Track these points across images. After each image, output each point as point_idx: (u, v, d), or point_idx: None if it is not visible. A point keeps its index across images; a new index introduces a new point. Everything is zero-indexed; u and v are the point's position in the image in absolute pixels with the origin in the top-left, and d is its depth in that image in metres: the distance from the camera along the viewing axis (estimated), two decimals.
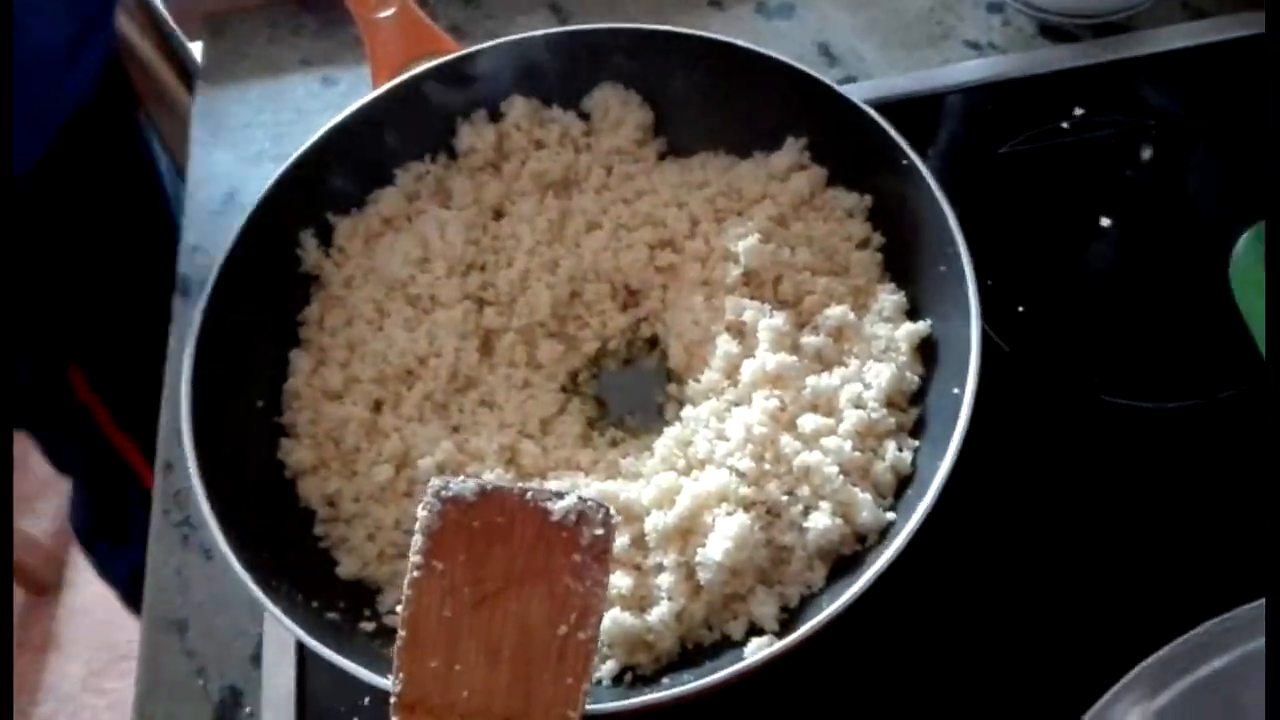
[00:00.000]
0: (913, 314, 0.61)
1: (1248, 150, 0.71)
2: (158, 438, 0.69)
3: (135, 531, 0.67)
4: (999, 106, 0.77)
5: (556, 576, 0.45)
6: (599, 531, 0.46)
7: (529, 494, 0.47)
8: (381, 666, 0.49)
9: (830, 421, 0.56)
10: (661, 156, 0.71)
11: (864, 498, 0.54)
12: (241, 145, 0.84)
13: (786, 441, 0.56)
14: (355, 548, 0.58)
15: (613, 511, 0.47)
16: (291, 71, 0.88)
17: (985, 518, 0.59)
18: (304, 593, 0.54)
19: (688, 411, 0.59)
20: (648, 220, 0.67)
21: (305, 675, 0.59)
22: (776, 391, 0.58)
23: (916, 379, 0.59)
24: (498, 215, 0.69)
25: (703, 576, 0.53)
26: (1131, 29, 0.79)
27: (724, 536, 0.52)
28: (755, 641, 0.51)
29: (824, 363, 0.60)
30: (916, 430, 0.58)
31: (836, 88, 0.65)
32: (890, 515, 0.54)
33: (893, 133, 0.62)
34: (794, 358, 0.59)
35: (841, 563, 0.54)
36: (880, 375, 0.58)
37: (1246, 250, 0.54)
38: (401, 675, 0.44)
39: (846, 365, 0.59)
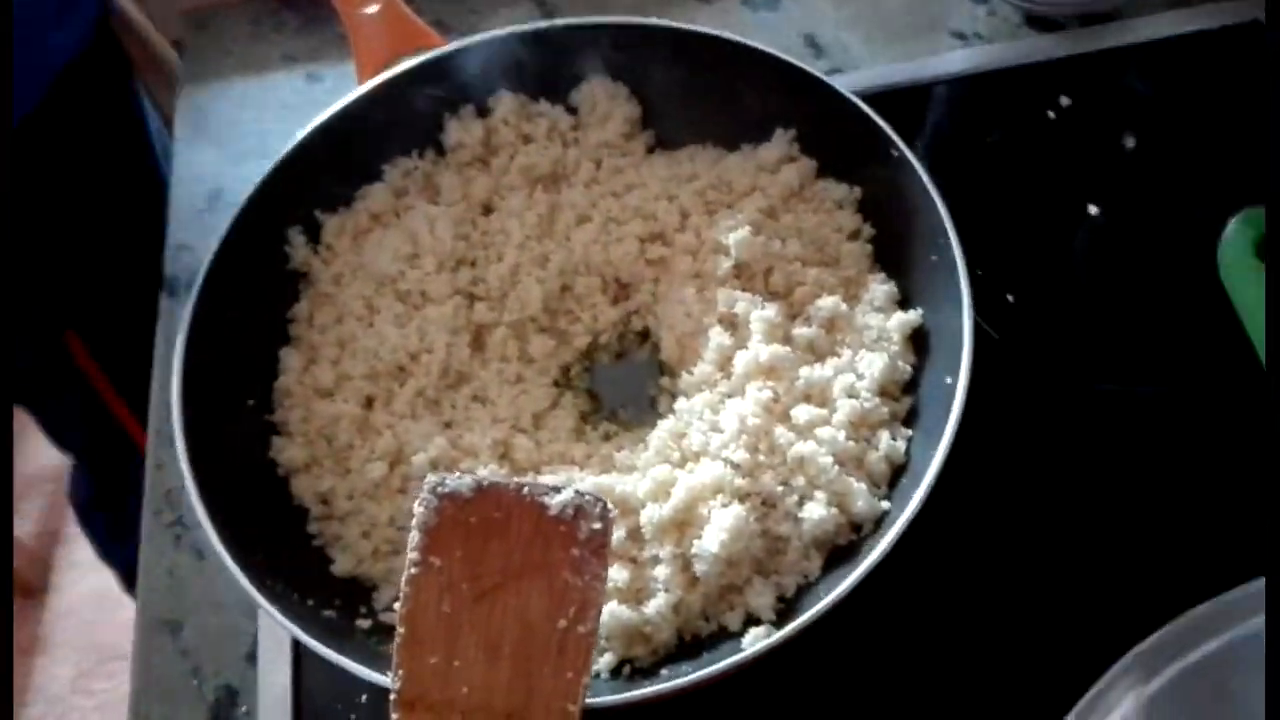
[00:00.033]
0: (904, 304, 0.61)
1: (1234, 137, 0.72)
2: (147, 438, 0.69)
3: (134, 504, 0.67)
4: (985, 96, 0.77)
5: (555, 571, 0.45)
6: (597, 525, 0.46)
7: (526, 489, 0.47)
8: (379, 664, 0.49)
9: (824, 412, 0.57)
10: (650, 150, 0.71)
11: (859, 487, 0.54)
12: (226, 143, 0.83)
13: (780, 432, 0.56)
14: (350, 545, 0.58)
15: (610, 505, 0.47)
16: (275, 68, 0.87)
17: (978, 506, 0.60)
18: (299, 591, 0.54)
19: (681, 404, 0.60)
20: (637, 213, 0.67)
21: (301, 674, 0.59)
22: (770, 383, 0.58)
23: (909, 368, 0.59)
24: (487, 210, 0.68)
25: (699, 568, 0.53)
26: (1117, 18, 0.80)
27: (720, 528, 0.52)
28: (753, 632, 0.52)
29: (816, 353, 0.60)
30: (909, 419, 0.58)
31: (825, 79, 0.65)
32: (885, 504, 0.54)
33: (882, 124, 0.62)
34: (787, 349, 0.59)
35: (837, 552, 0.55)
36: (873, 365, 0.58)
37: (1234, 236, 0.55)
38: (401, 672, 0.44)
39: (839, 356, 0.59)
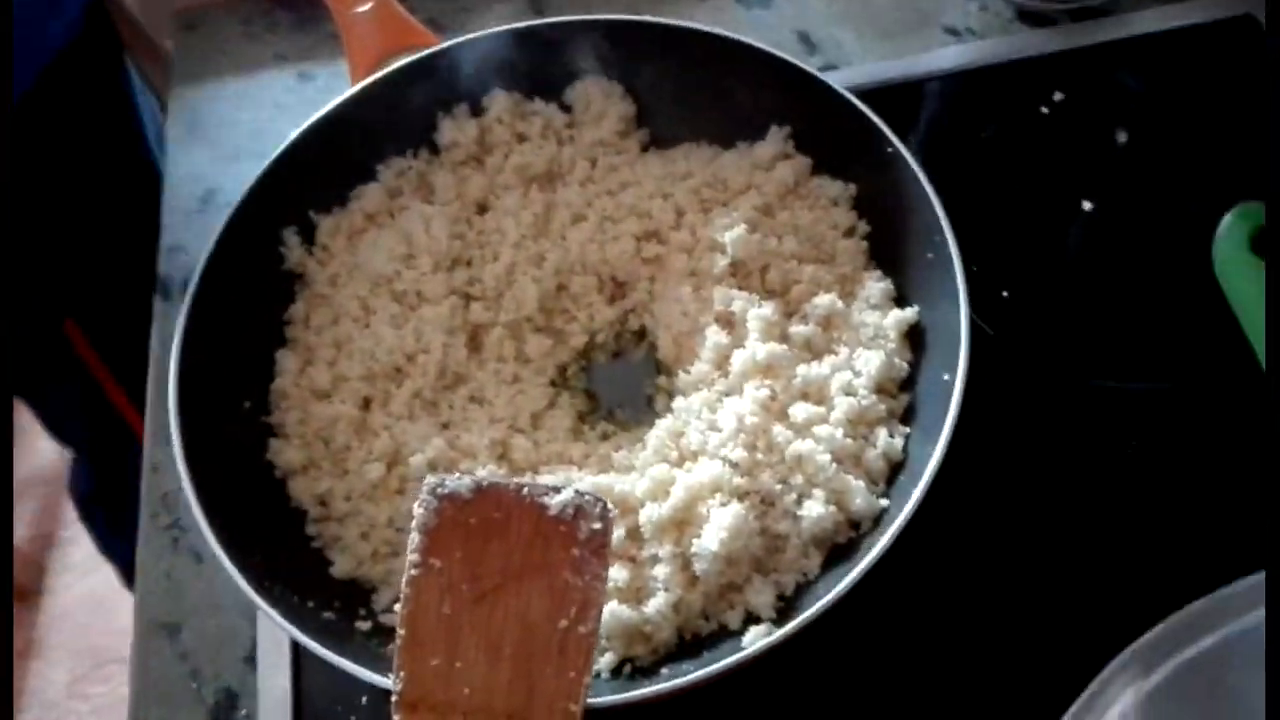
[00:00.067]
0: (899, 301, 0.62)
1: (1227, 132, 0.72)
2: (144, 440, 0.68)
3: (134, 498, 0.67)
4: (979, 92, 0.77)
5: (555, 571, 0.45)
6: (597, 525, 0.46)
7: (525, 489, 0.47)
8: (380, 665, 0.49)
9: (821, 410, 0.57)
10: (644, 148, 0.71)
11: (857, 485, 0.54)
12: (218, 143, 0.83)
13: (778, 431, 0.56)
14: (348, 547, 0.57)
15: (610, 505, 0.47)
16: (267, 68, 0.87)
17: (975, 502, 0.60)
18: (299, 594, 0.54)
19: (678, 403, 0.60)
20: (633, 212, 0.67)
21: (301, 676, 0.59)
22: (767, 381, 0.58)
23: (905, 366, 0.59)
24: (481, 209, 0.68)
25: (698, 567, 0.53)
26: (1109, 13, 0.80)
27: (719, 527, 0.52)
28: (753, 630, 0.52)
29: (813, 351, 0.60)
30: (906, 417, 0.58)
31: (820, 76, 0.65)
32: (884, 502, 0.54)
33: (877, 121, 0.62)
34: (784, 347, 0.59)
35: (836, 550, 0.55)
36: (870, 363, 0.58)
37: (1229, 231, 0.55)
38: (402, 674, 0.44)
39: (836, 353, 0.59)
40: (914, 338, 0.60)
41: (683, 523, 0.54)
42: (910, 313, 0.60)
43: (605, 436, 0.62)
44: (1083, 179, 0.72)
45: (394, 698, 0.44)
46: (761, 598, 0.53)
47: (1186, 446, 0.62)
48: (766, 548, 0.54)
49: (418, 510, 0.46)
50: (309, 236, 0.67)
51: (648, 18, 0.69)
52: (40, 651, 1.65)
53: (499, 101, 0.69)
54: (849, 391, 0.57)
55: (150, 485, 0.66)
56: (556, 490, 0.46)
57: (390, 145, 0.69)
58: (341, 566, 0.57)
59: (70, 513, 1.75)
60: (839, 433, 0.56)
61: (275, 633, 0.60)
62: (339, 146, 0.67)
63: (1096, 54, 0.77)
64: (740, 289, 0.62)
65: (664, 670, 0.52)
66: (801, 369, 0.58)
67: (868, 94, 0.65)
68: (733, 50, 0.67)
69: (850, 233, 0.65)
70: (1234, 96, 0.74)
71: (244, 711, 0.59)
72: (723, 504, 0.54)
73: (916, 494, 0.50)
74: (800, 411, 0.56)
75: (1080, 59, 0.77)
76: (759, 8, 0.85)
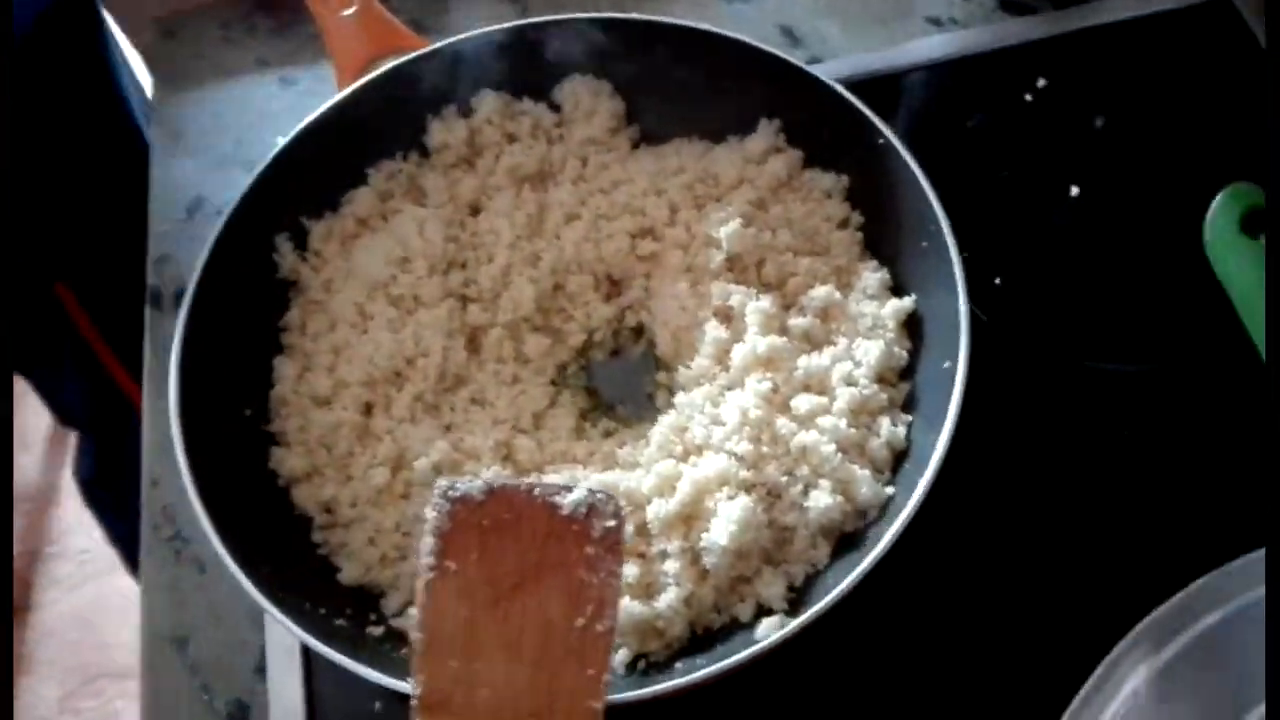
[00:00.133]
0: (896, 290, 0.62)
1: (1211, 114, 0.73)
2: (143, 451, 0.68)
3: (135, 477, 0.67)
4: (963, 81, 0.78)
5: (570, 570, 0.45)
6: (610, 523, 0.46)
7: (537, 489, 0.47)
8: (394, 670, 0.49)
9: (824, 400, 0.57)
10: (635, 145, 0.71)
11: (863, 474, 0.55)
12: (203, 151, 0.82)
13: (782, 423, 0.56)
14: (356, 553, 0.57)
15: (622, 502, 0.47)
16: (248, 73, 0.86)
17: (977, 487, 0.60)
18: (309, 601, 0.54)
19: (680, 398, 0.60)
20: (626, 209, 0.67)
21: (312, 684, 0.59)
22: (768, 374, 0.58)
23: (904, 354, 0.59)
24: (474, 211, 0.68)
25: (708, 561, 0.53)
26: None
27: (727, 520, 0.53)
28: (766, 622, 0.52)
29: (813, 343, 0.60)
30: (908, 405, 0.59)
31: (808, 69, 0.65)
32: (889, 490, 0.55)
33: (867, 112, 0.63)
34: (783, 339, 0.59)
35: (844, 539, 0.55)
36: (869, 352, 0.58)
37: (1220, 212, 0.56)
38: (421, 678, 0.44)
39: (835, 344, 0.60)
40: (911, 326, 0.60)
41: (690, 517, 0.55)
42: (908, 301, 0.60)
43: (608, 434, 0.62)
44: (1069, 164, 0.73)
45: (413, 702, 0.44)
46: (772, 589, 0.53)
47: (1183, 425, 0.62)
48: (775, 539, 0.55)
49: (430, 514, 0.46)
50: (301, 243, 0.66)
51: (632, 15, 0.69)
52: (30, 667, 1.64)
53: (488, 102, 0.69)
54: (850, 382, 0.58)
55: (150, 498, 0.66)
56: (568, 489, 0.47)
57: (380, 148, 0.69)
58: (349, 572, 0.57)
59: (56, 528, 1.75)
60: (842, 423, 0.56)
61: (285, 642, 0.60)
62: (328, 151, 0.67)
63: (1078, 40, 0.78)
64: (737, 283, 0.63)
65: (678, 665, 0.53)
66: (802, 361, 0.59)
67: (853, 86, 0.65)
68: (718, 45, 0.67)
69: (844, 224, 0.65)
70: (1216, 80, 0.74)
71: None
72: (730, 497, 0.54)
73: (924, 482, 0.51)
74: (803, 403, 0.57)
75: (1062, 45, 0.78)
76: (740, 2, 0.85)
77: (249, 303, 0.63)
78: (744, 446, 0.55)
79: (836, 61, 0.80)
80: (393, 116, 0.69)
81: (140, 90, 0.95)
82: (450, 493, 0.46)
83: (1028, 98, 0.76)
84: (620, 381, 0.65)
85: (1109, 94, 0.76)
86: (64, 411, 1.07)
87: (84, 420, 1.06)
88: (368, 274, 0.64)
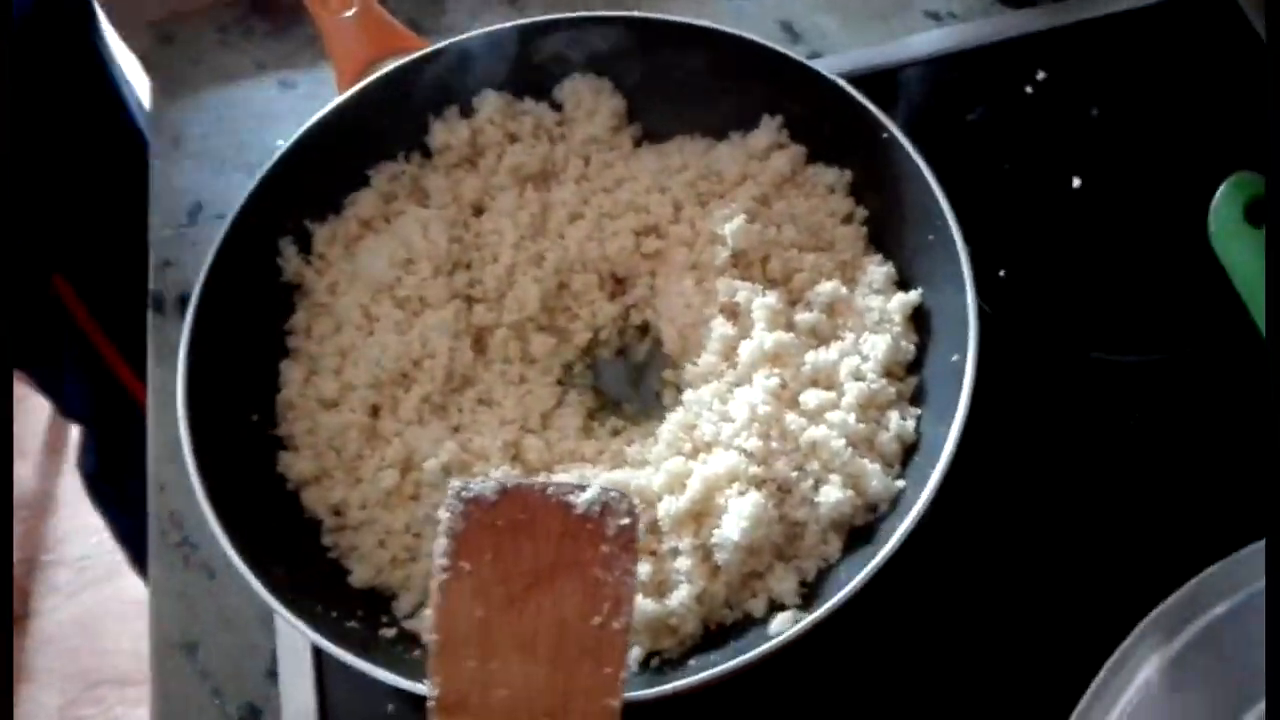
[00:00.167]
0: (902, 284, 0.62)
1: (1212, 103, 0.73)
2: (147, 458, 0.68)
3: (141, 474, 0.67)
4: (963, 75, 0.78)
5: (586, 569, 0.46)
6: (624, 521, 0.46)
7: (550, 489, 0.47)
8: (408, 671, 0.49)
9: (832, 395, 0.57)
10: (637, 143, 0.71)
11: (873, 468, 0.55)
12: (203, 156, 0.82)
13: (791, 418, 0.56)
14: (366, 555, 0.57)
15: (636, 500, 0.47)
16: (247, 76, 0.86)
17: (984, 479, 0.60)
18: (321, 604, 0.53)
19: (688, 395, 0.60)
20: (630, 207, 0.67)
21: (324, 688, 0.58)
22: (776, 370, 0.58)
23: (912, 348, 0.60)
24: (478, 211, 0.68)
25: (720, 557, 0.53)
26: None
27: (739, 516, 0.53)
28: (780, 618, 0.52)
29: (819, 338, 0.60)
30: (916, 398, 0.59)
31: (810, 64, 0.65)
32: (900, 484, 0.55)
33: (871, 106, 0.63)
34: (790, 335, 0.59)
35: (855, 533, 0.55)
36: (876, 347, 0.59)
37: (1224, 201, 0.56)
38: (438, 679, 0.44)
39: (842, 339, 0.60)
40: (918, 320, 0.61)
41: (701, 514, 0.55)
42: (914, 295, 0.60)
43: (616, 432, 0.62)
44: (1070, 156, 0.73)
45: (430, 703, 0.44)
46: (784, 585, 0.53)
47: (1190, 415, 0.63)
48: (786, 535, 0.55)
49: (444, 515, 0.46)
50: (305, 246, 0.66)
51: (632, 13, 0.69)
52: (30, 676, 1.64)
53: (489, 102, 0.69)
54: (858, 376, 0.58)
55: (158, 503, 0.66)
56: (581, 488, 0.47)
57: (381, 150, 0.69)
58: (360, 575, 0.57)
59: (53, 535, 1.74)
60: (851, 417, 0.56)
61: (296, 645, 0.59)
62: (331, 154, 0.66)
63: (1078, 31, 0.78)
64: (742, 280, 0.63)
65: (691, 662, 0.53)
66: (809, 356, 0.59)
67: (853, 81, 0.65)
68: (719, 42, 0.67)
69: (849, 219, 0.65)
70: (1215, 70, 0.75)
71: None
72: (740, 493, 0.54)
73: (937, 474, 0.51)
74: (811, 398, 0.57)
75: (1062, 38, 0.78)
76: None
77: (254, 307, 0.63)
78: (753, 442, 0.55)
79: (836, 57, 0.80)
80: (394, 118, 0.68)
81: (133, 90, 0.96)
82: (464, 493, 0.46)
83: (1028, 90, 0.76)
84: (626, 380, 0.65)
85: (1109, 85, 0.76)
86: (65, 405, 1.07)
87: (86, 414, 1.06)
88: (372, 276, 0.64)
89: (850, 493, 0.54)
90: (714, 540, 0.53)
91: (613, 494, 0.46)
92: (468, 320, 0.64)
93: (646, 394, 0.65)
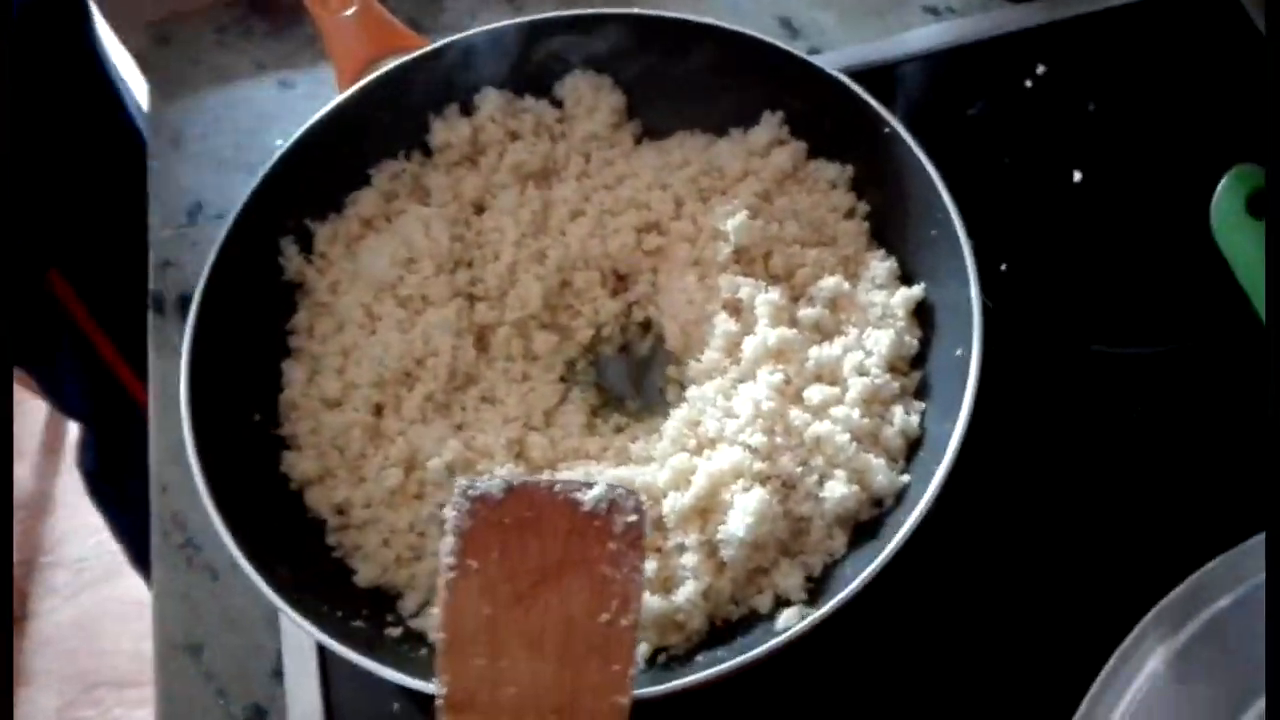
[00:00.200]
0: (905, 279, 0.62)
1: (1212, 98, 0.73)
2: (149, 459, 0.68)
3: (141, 472, 0.66)
4: (962, 69, 0.78)
5: (593, 566, 0.46)
6: (631, 518, 0.46)
7: (557, 486, 0.47)
8: (414, 670, 0.49)
9: (836, 391, 0.57)
10: (638, 140, 0.70)
11: (877, 463, 0.55)
12: (202, 156, 0.82)
13: (795, 414, 0.56)
14: (371, 554, 0.57)
15: (642, 497, 0.47)
16: (246, 76, 0.86)
17: (988, 473, 0.60)
18: (326, 604, 0.53)
19: (692, 392, 0.60)
20: (631, 204, 0.67)
21: (330, 688, 0.58)
22: (780, 365, 0.58)
23: (915, 343, 0.60)
24: (479, 210, 0.68)
25: (726, 553, 0.53)
26: None
27: (744, 512, 0.53)
28: (786, 613, 0.52)
29: (823, 333, 0.60)
30: (920, 393, 0.59)
31: (810, 60, 0.65)
32: (905, 478, 0.55)
33: (872, 101, 0.63)
34: (794, 331, 0.59)
35: (860, 528, 0.55)
36: (880, 342, 0.59)
37: (1226, 193, 0.56)
38: (446, 677, 0.44)
39: (846, 334, 0.60)
40: (921, 315, 0.61)
41: (706, 510, 0.55)
42: (917, 290, 0.60)
43: (619, 429, 0.62)
44: (1070, 150, 0.73)
45: (438, 701, 0.44)
46: (790, 580, 0.53)
47: (1194, 407, 0.63)
48: (791, 530, 0.55)
49: (450, 513, 0.46)
50: (306, 245, 0.66)
51: (632, 10, 0.69)
52: (29, 678, 1.63)
53: (490, 100, 0.69)
54: (862, 371, 0.58)
55: (161, 505, 0.66)
56: (588, 486, 0.47)
57: (382, 149, 0.68)
58: (365, 574, 0.57)
59: (51, 537, 1.74)
60: (855, 412, 0.56)
61: (301, 645, 0.59)
62: (332, 153, 0.66)
63: (1077, 25, 0.78)
64: (745, 276, 0.63)
65: (699, 658, 0.53)
66: (813, 351, 0.59)
67: (852, 76, 0.65)
68: (719, 38, 0.67)
69: (850, 214, 0.65)
70: (1215, 63, 0.75)
71: None
72: (745, 489, 0.54)
73: (943, 469, 0.51)
74: (815, 393, 0.57)
75: (1061, 31, 0.78)
76: None
77: (256, 307, 0.63)
78: (758, 438, 0.55)
79: (835, 52, 0.80)
80: (395, 116, 0.68)
81: (129, 88, 0.96)
82: (470, 491, 0.46)
83: (1027, 84, 0.76)
84: (629, 376, 0.65)
85: (1108, 79, 0.76)
86: (65, 403, 1.07)
87: (85, 412, 1.06)
88: (374, 275, 0.64)
89: (855, 488, 0.54)
90: (719, 536, 0.53)
91: (619, 491, 0.46)
92: (470, 318, 0.64)
93: (650, 390, 0.64)
